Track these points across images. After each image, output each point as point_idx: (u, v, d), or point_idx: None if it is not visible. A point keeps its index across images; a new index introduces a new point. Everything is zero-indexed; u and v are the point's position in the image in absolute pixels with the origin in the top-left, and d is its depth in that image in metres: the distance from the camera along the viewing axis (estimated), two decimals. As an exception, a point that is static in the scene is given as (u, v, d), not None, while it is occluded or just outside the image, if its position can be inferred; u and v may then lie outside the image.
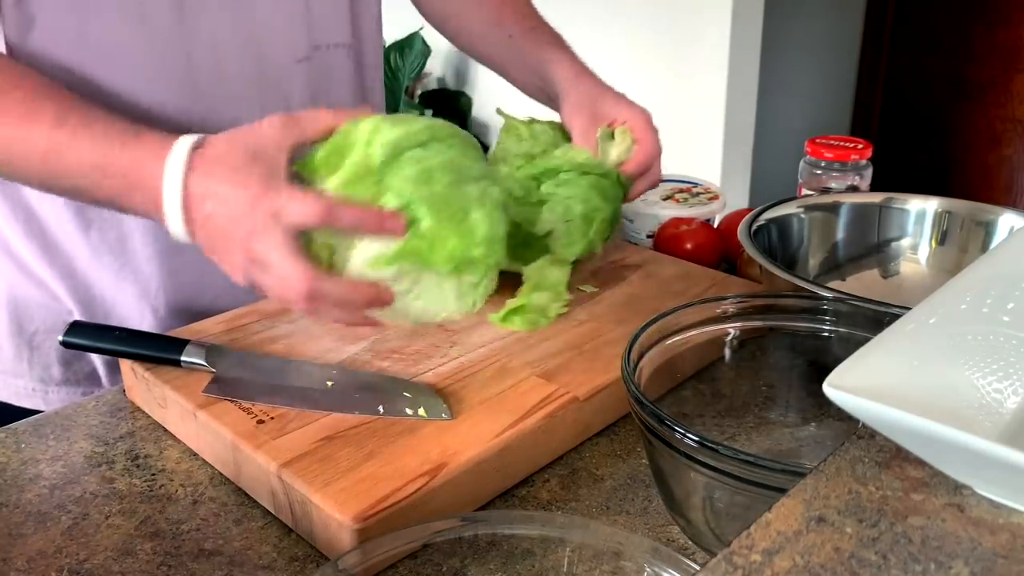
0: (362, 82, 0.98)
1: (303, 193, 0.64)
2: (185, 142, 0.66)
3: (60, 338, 0.73)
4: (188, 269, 0.87)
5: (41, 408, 0.89)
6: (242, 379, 0.69)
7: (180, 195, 0.65)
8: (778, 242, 0.89)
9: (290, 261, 0.62)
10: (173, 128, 0.73)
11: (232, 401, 0.67)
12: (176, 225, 0.66)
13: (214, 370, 0.70)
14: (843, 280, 0.90)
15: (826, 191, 1.04)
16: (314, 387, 0.68)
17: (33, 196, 0.83)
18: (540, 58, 0.96)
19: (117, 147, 0.67)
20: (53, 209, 0.83)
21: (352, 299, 0.65)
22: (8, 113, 0.69)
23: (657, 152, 0.89)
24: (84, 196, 0.71)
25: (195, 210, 0.65)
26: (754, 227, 0.85)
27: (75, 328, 0.73)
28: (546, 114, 0.93)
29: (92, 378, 0.90)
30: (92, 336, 0.73)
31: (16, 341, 0.89)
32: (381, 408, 0.66)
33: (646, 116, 0.90)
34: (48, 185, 0.72)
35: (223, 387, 0.68)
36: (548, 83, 0.95)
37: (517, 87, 1.01)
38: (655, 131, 0.89)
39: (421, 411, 0.65)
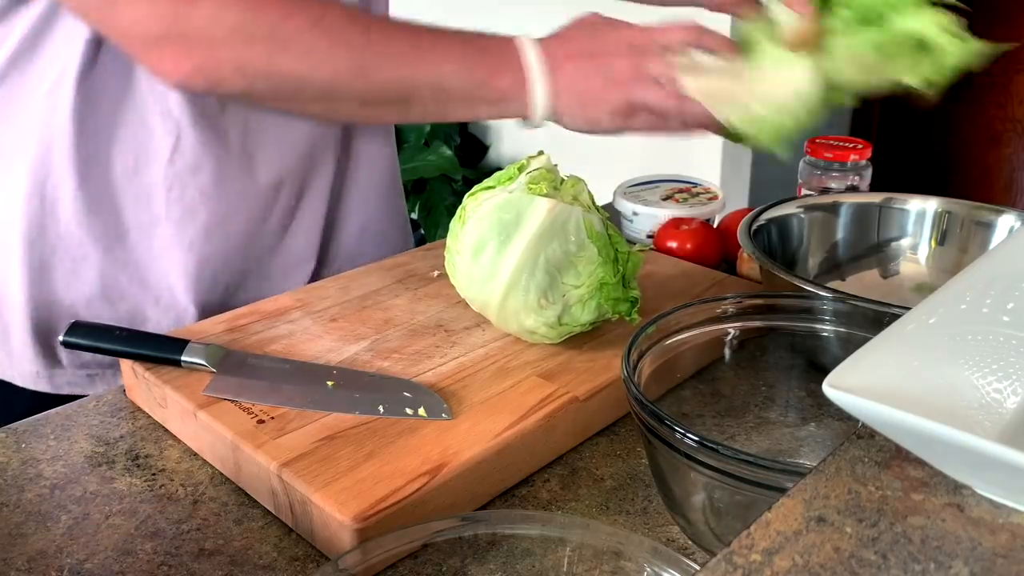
0: None
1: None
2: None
3: (60, 338, 0.73)
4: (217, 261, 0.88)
5: (47, 390, 0.90)
6: (243, 379, 0.69)
7: (539, 51, 0.73)
8: (778, 242, 0.89)
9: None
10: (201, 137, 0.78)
11: (232, 401, 0.67)
12: (540, 84, 0.73)
13: (214, 370, 0.70)
14: (843, 280, 0.90)
15: (826, 191, 1.04)
16: (315, 387, 0.68)
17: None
18: None
19: (473, 37, 0.75)
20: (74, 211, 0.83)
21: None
22: (341, 21, 0.72)
23: None
24: (437, 95, 0.74)
25: (557, 52, 0.73)
26: (754, 227, 0.85)
27: (75, 328, 0.73)
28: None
29: (99, 360, 0.89)
30: (92, 336, 0.73)
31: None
32: (381, 408, 0.66)
33: None
34: (396, 91, 0.74)
35: (224, 387, 0.68)
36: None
37: None
38: None
39: (421, 411, 0.65)
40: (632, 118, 0.73)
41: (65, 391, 0.90)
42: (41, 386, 0.90)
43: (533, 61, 0.73)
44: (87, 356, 0.89)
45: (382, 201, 1.01)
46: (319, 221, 0.95)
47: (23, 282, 0.86)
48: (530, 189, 0.71)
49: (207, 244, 0.88)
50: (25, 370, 0.89)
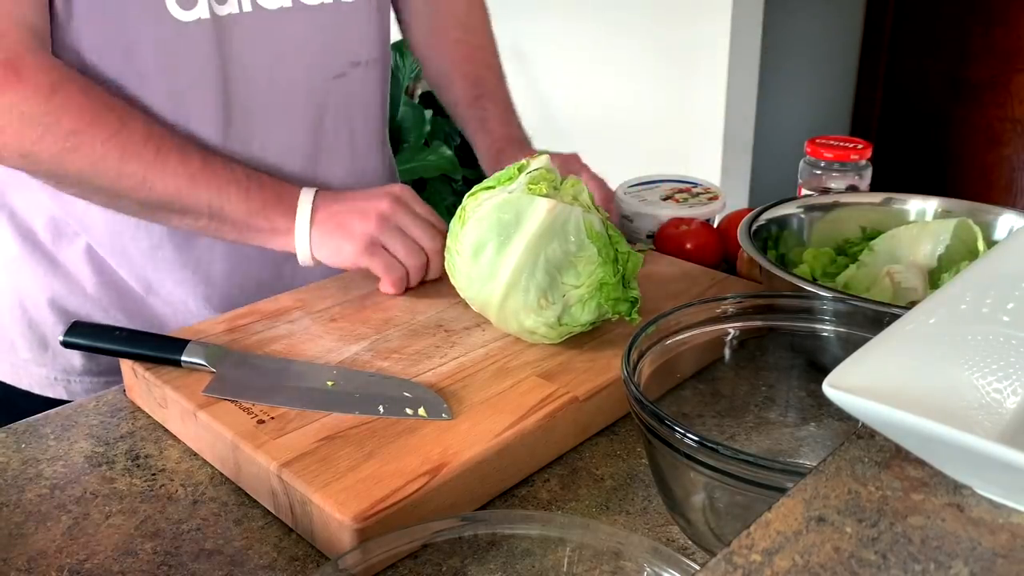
0: (382, 93, 1.00)
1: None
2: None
3: (60, 338, 0.73)
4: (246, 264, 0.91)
5: (64, 398, 0.90)
6: (243, 379, 0.69)
7: (311, 204, 0.83)
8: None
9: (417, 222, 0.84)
10: (205, 143, 0.84)
11: (232, 401, 0.67)
12: (303, 224, 0.83)
13: (214, 370, 0.70)
14: (843, 280, 0.90)
15: (826, 191, 1.03)
16: (315, 387, 0.68)
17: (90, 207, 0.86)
18: (472, 139, 1.04)
19: (259, 176, 0.84)
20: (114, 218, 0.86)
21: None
22: (136, 135, 0.77)
23: (606, 191, 1.00)
24: (217, 216, 0.82)
25: (321, 210, 0.84)
26: (754, 227, 0.85)
27: (76, 328, 0.73)
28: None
29: (113, 368, 0.90)
30: (93, 336, 0.73)
31: (38, 332, 0.90)
32: (381, 408, 0.66)
33: (576, 163, 0.98)
34: (182, 206, 0.81)
35: (224, 387, 0.68)
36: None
37: None
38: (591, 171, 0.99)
39: (421, 411, 0.65)
40: (372, 255, 0.82)
41: (37, 389, 0.91)
42: (58, 392, 0.91)
43: (306, 204, 0.83)
44: (60, 359, 0.89)
45: None
46: None
47: (43, 292, 0.87)
48: (530, 189, 0.71)
49: (215, 263, 0.89)
50: (40, 376, 0.90)
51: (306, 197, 0.83)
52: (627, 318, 0.73)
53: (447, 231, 0.77)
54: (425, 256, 0.84)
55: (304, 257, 0.84)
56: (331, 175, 0.95)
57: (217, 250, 0.90)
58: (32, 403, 0.89)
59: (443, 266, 0.79)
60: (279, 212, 0.83)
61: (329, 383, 0.69)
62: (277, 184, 0.84)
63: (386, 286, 0.84)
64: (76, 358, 0.90)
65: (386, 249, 0.83)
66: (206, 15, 0.81)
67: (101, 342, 0.73)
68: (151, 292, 0.90)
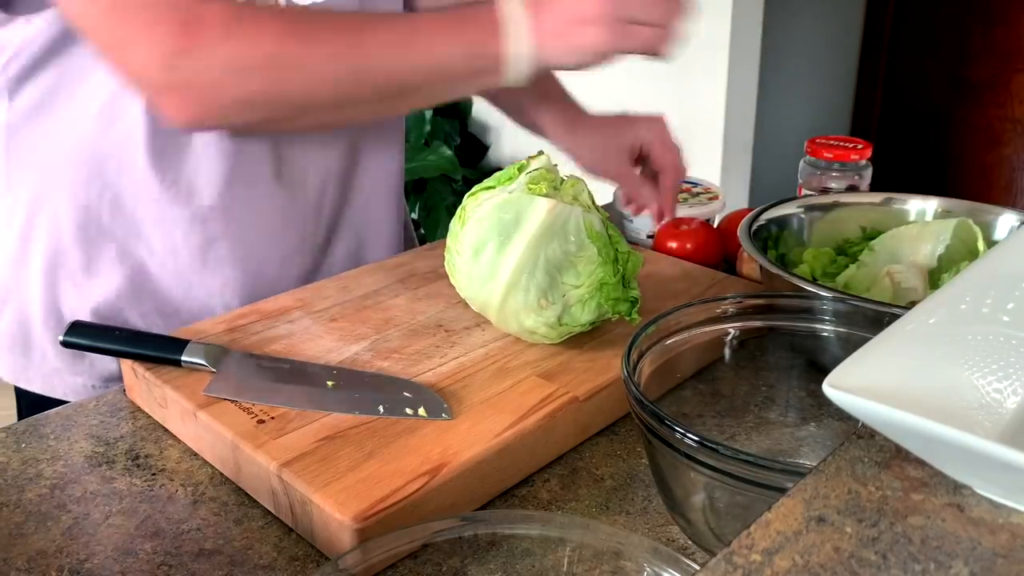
0: None
1: None
2: None
3: (60, 338, 0.73)
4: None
5: (46, 394, 0.90)
6: (243, 379, 0.69)
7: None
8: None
9: None
10: (242, 141, 0.83)
11: (232, 401, 0.67)
12: (521, 32, 0.75)
13: (215, 370, 0.70)
14: (843, 280, 0.90)
15: (826, 191, 1.04)
16: (315, 387, 0.68)
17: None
18: (532, 116, 1.00)
19: (448, 11, 0.78)
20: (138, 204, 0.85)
21: None
22: (332, 33, 0.74)
23: (677, 161, 0.99)
24: (437, 74, 0.77)
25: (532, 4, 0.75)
26: (754, 227, 0.85)
27: (75, 328, 0.73)
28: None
29: (94, 370, 0.90)
30: (93, 336, 0.73)
31: (23, 324, 0.89)
32: (381, 408, 0.66)
33: (662, 127, 0.96)
34: (399, 81, 0.76)
35: (224, 387, 0.68)
36: (544, 138, 1.00)
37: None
38: (670, 136, 0.97)
39: (421, 411, 0.65)
40: (624, 34, 0.74)
41: (60, 395, 0.90)
42: (70, 395, 0.90)
43: (512, 10, 0.75)
44: (84, 363, 0.89)
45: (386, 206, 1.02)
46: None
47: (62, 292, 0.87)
48: (530, 189, 0.71)
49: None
50: (75, 384, 0.90)
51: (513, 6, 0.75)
52: (627, 318, 0.73)
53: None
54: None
55: (523, 63, 0.76)
56: (365, 176, 0.94)
57: (263, 241, 0.89)
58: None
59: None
60: (483, 17, 0.75)
61: (329, 383, 0.69)
62: (476, 10, 0.77)
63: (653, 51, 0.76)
64: (114, 364, 0.89)
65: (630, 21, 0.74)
66: None
67: (101, 342, 0.73)
68: (190, 296, 0.88)
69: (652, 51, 0.76)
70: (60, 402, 0.88)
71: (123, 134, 0.81)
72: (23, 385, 0.92)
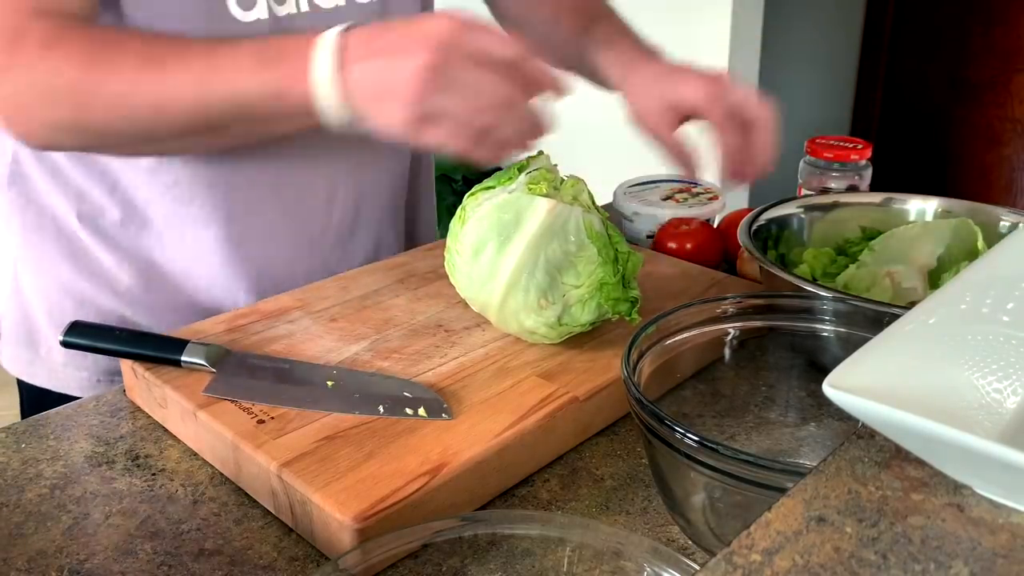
0: None
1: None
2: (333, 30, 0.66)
3: (60, 338, 0.73)
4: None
5: (51, 388, 0.90)
6: (243, 379, 0.69)
7: (335, 43, 0.65)
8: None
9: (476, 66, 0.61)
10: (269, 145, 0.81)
11: (232, 401, 0.67)
12: (326, 79, 0.64)
13: (214, 370, 0.70)
14: (843, 280, 0.90)
15: (826, 191, 1.04)
16: (315, 387, 0.68)
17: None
18: (593, 59, 0.93)
19: (261, 42, 0.69)
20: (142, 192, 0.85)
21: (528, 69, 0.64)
22: (137, 61, 0.70)
23: (734, 128, 0.82)
24: (239, 112, 0.69)
25: (351, 48, 0.64)
26: (754, 227, 0.85)
27: (75, 328, 0.73)
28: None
29: (97, 365, 0.90)
30: (92, 336, 0.73)
31: (27, 319, 0.90)
32: (381, 408, 0.66)
33: (714, 89, 0.82)
34: (199, 116, 0.70)
35: (223, 387, 0.68)
36: (611, 88, 0.92)
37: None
38: (728, 107, 0.82)
39: (421, 411, 0.65)
40: (431, 123, 0.63)
41: (64, 390, 0.90)
42: (46, 383, 0.91)
43: (330, 36, 0.65)
44: (88, 358, 0.89)
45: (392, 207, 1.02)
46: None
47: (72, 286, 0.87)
48: (530, 189, 0.71)
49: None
50: (80, 379, 0.90)
51: (331, 32, 0.66)
52: (627, 318, 0.73)
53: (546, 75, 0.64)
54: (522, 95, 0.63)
55: (334, 114, 0.66)
56: (377, 173, 0.94)
57: (270, 244, 0.89)
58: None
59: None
60: (294, 55, 0.66)
61: (329, 383, 0.69)
62: (296, 37, 0.68)
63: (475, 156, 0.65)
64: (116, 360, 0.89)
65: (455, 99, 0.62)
66: (265, 15, 0.80)
67: (101, 342, 0.73)
68: (197, 295, 0.88)
69: (463, 152, 0.64)
70: (62, 397, 0.88)
71: None
72: (27, 379, 0.92)
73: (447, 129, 0.63)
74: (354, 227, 0.94)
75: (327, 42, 0.65)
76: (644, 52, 0.91)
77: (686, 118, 0.86)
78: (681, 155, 0.87)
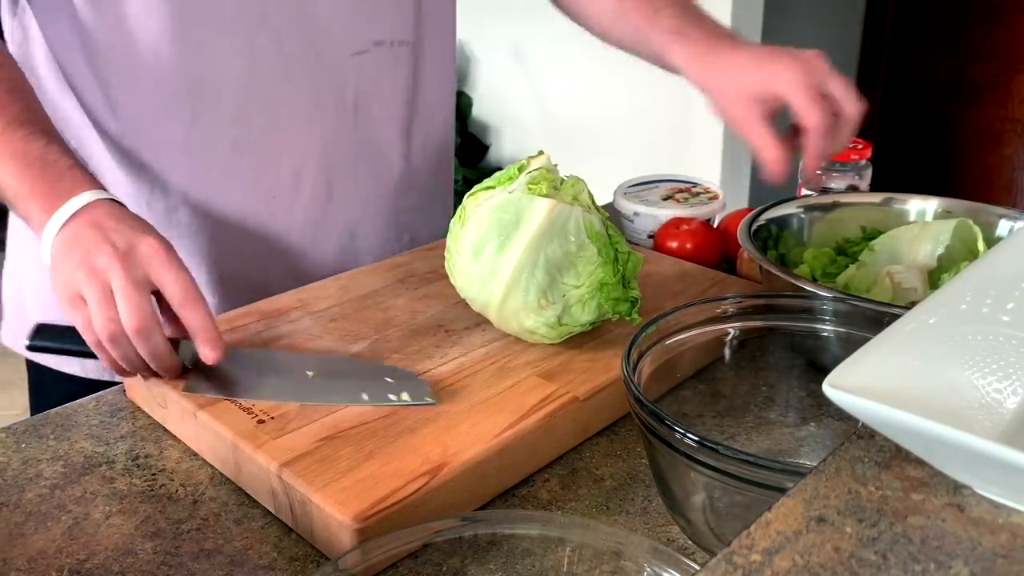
0: (423, 81, 0.97)
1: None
2: (85, 198, 0.69)
3: (26, 342, 0.70)
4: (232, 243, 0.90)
5: (77, 374, 0.91)
6: (222, 374, 0.69)
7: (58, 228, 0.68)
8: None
9: (133, 288, 0.64)
10: (233, 105, 0.83)
11: (232, 401, 0.67)
12: (47, 241, 0.68)
13: (189, 366, 0.69)
14: (843, 280, 0.90)
15: (826, 191, 1.04)
16: (296, 378, 0.68)
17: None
18: (661, 51, 0.87)
19: (51, 161, 0.71)
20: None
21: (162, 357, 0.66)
22: None
23: (825, 121, 0.75)
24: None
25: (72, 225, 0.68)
26: (754, 227, 0.85)
27: (42, 331, 0.71)
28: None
29: None
30: (60, 339, 0.70)
31: (37, 301, 0.91)
32: (365, 396, 0.66)
33: (803, 77, 0.75)
34: None
35: (203, 383, 0.68)
36: (681, 75, 0.87)
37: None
38: (818, 97, 0.75)
39: (404, 396, 0.65)
40: (73, 306, 0.66)
41: (93, 376, 0.91)
42: (75, 369, 0.91)
43: (69, 208, 0.68)
44: None
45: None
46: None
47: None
48: (530, 189, 0.71)
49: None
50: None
51: (75, 201, 0.68)
52: (627, 318, 0.73)
53: (199, 308, 0.66)
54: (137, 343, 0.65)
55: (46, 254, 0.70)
56: (346, 160, 0.94)
57: (231, 250, 0.90)
58: (78, 386, 0.90)
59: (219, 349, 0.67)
60: (36, 213, 0.70)
61: (310, 373, 0.69)
62: (67, 172, 0.70)
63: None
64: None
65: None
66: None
67: (69, 344, 0.70)
68: None
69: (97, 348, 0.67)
70: (68, 379, 0.90)
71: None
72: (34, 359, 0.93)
73: (83, 321, 0.66)
74: (328, 218, 0.94)
75: (59, 218, 0.68)
76: (719, 41, 0.83)
77: (777, 109, 0.79)
78: (771, 154, 0.78)
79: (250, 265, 0.92)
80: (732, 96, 0.79)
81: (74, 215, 0.68)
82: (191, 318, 0.66)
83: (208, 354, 0.66)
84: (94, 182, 0.71)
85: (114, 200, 0.70)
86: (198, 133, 0.85)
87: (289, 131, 0.89)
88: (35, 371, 0.94)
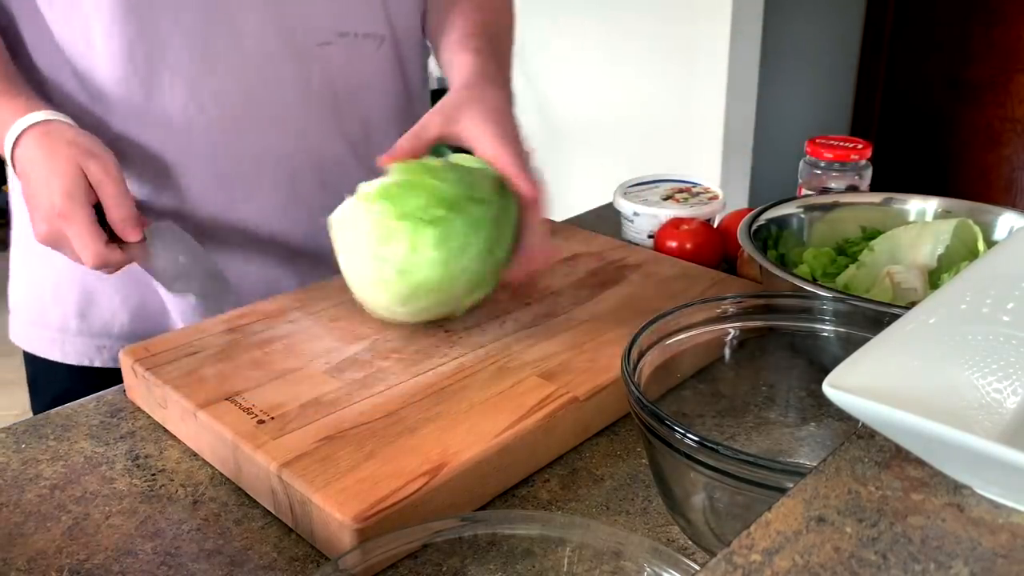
0: (396, 75, 0.96)
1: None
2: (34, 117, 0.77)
3: None
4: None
5: (58, 359, 0.93)
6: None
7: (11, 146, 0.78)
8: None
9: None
10: (187, 94, 0.84)
11: (232, 401, 0.67)
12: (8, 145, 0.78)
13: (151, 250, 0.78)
14: (843, 280, 0.90)
15: (826, 191, 1.04)
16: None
17: None
18: (449, 73, 0.87)
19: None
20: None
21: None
22: None
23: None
24: None
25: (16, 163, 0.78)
26: (754, 227, 0.85)
27: None
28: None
29: (107, 331, 0.92)
30: None
31: (38, 291, 0.92)
32: None
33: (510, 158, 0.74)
34: None
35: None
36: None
37: None
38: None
39: None
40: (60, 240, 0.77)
41: (72, 360, 0.92)
42: (55, 355, 0.92)
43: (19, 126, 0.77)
44: (96, 325, 0.92)
45: None
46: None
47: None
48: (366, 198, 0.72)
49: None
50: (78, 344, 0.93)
51: (26, 118, 0.77)
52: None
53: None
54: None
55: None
56: (336, 153, 0.93)
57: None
58: (69, 380, 0.92)
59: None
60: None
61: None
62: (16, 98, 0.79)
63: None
64: (116, 318, 0.92)
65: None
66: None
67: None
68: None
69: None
70: (56, 367, 0.92)
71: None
72: (31, 350, 0.95)
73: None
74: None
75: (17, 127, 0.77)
76: (477, 83, 0.81)
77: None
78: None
79: (253, 265, 0.93)
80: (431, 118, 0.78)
81: (26, 134, 0.76)
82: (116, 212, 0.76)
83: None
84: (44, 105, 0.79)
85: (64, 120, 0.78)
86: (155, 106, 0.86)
87: (262, 121, 0.88)
88: (31, 365, 0.96)
